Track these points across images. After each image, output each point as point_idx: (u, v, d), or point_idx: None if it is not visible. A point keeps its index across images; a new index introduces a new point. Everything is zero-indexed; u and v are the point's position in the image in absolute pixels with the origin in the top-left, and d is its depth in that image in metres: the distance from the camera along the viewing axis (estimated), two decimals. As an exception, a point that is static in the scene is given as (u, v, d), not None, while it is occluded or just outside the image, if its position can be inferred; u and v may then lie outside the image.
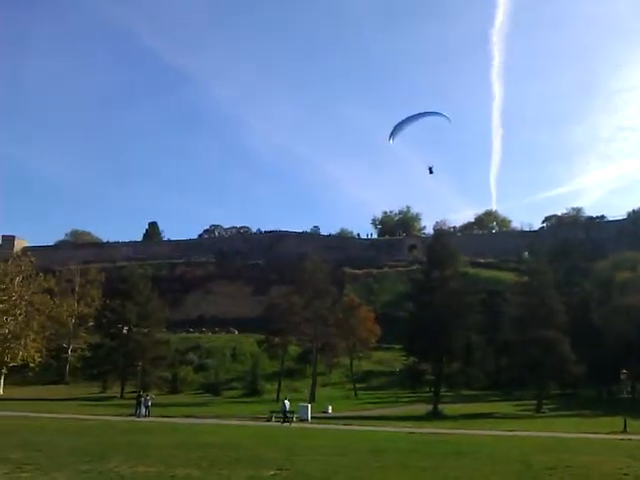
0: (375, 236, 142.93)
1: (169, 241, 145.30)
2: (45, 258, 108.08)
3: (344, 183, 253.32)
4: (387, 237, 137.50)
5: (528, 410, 55.66)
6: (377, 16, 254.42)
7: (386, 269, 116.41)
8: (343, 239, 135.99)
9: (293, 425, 42.95)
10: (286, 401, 46.62)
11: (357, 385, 75.41)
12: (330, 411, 55.12)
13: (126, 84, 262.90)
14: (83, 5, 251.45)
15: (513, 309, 64.65)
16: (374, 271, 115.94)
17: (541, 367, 56.64)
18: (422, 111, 27.04)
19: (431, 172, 28.36)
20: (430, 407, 54.37)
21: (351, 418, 48.76)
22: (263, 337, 76.71)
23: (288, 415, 45.25)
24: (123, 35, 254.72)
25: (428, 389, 67.13)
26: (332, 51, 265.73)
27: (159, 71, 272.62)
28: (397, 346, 78.58)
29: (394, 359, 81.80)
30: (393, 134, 26.80)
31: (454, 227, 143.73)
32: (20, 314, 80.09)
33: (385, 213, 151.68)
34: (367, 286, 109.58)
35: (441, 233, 74.71)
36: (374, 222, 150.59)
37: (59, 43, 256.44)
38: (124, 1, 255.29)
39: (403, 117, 27.87)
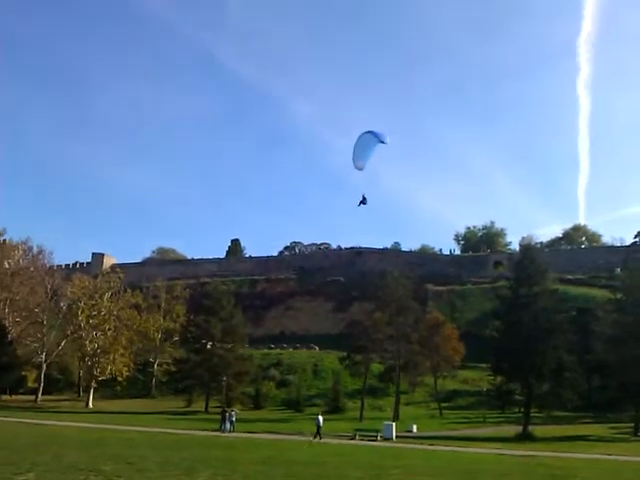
0: (458, 252, 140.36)
1: (251, 258, 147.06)
2: (133, 275, 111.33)
3: (425, 198, 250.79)
4: (471, 253, 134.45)
5: (624, 433, 52.79)
6: (462, 30, 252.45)
7: (470, 286, 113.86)
8: (425, 255, 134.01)
9: (378, 444, 42.04)
10: (320, 417, 45.45)
11: (442, 404, 73.56)
12: (415, 430, 53.95)
13: (214, 107, 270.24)
14: (174, 32, 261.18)
15: (606, 327, 61.85)
16: (457, 288, 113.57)
17: (638, 388, 53.61)
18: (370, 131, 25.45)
19: (363, 203, 26.78)
20: (519, 428, 52.40)
21: (437, 438, 47.37)
22: (344, 354, 76.08)
23: (320, 432, 43.95)
24: (210, 60, 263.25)
25: (517, 410, 64.59)
26: (411, 65, 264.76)
27: (244, 93, 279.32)
28: (483, 365, 76.34)
29: (480, 378, 79.42)
30: (357, 160, 25.48)
31: (541, 242, 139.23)
32: (109, 329, 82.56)
33: (468, 228, 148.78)
34: (450, 303, 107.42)
35: (528, 248, 71.86)
36: (457, 238, 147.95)
37: (151, 69, 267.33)
38: (211, 27, 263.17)
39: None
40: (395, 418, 61.96)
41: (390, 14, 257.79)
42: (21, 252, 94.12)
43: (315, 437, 43.14)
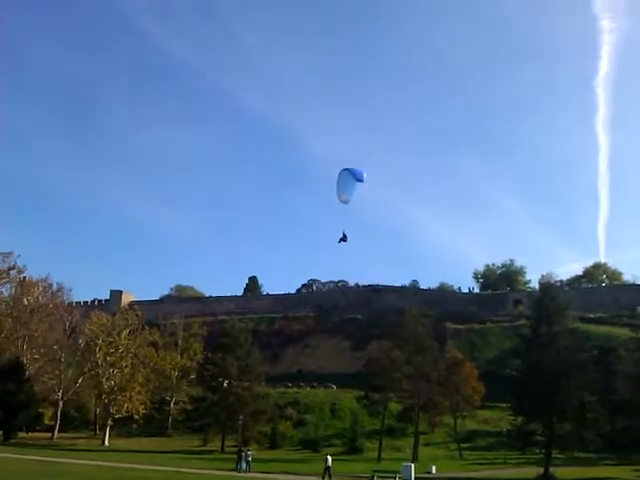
0: (477, 290, 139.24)
1: (268, 295, 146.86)
2: (150, 312, 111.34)
3: (443, 235, 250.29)
4: (490, 291, 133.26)
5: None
6: (478, 66, 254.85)
7: (489, 324, 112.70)
8: (443, 293, 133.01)
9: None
10: (328, 457, 45.33)
11: (461, 445, 72.24)
12: (434, 471, 52.98)
13: (232, 146, 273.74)
14: (197, 74, 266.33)
15: (629, 366, 60.81)
16: (476, 326, 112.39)
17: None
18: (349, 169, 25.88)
19: (343, 240, 26.90)
20: (541, 470, 51.32)
21: (457, 479, 46.45)
22: (363, 393, 75.29)
23: (330, 472, 43.55)
24: (231, 100, 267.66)
25: (538, 451, 63.27)
26: (428, 101, 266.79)
27: (262, 132, 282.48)
28: (503, 405, 75.26)
29: (500, 418, 78.08)
30: (342, 194, 25.79)
31: (561, 280, 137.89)
32: (126, 366, 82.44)
33: (487, 266, 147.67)
34: (470, 342, 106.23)
35: (549, 287, 71.22)
36: (476, 276, 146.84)
37: (174, 110, 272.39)
38: (230, 68, 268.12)
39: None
40: (414, 459, 60.97)
41: (406, 51, 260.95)
42: (41, 289, 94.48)
43: (324, 478, 42.48)
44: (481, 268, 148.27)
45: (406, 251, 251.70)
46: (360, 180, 25.07)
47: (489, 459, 65.88)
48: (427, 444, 74.40)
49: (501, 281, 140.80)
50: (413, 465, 49.24)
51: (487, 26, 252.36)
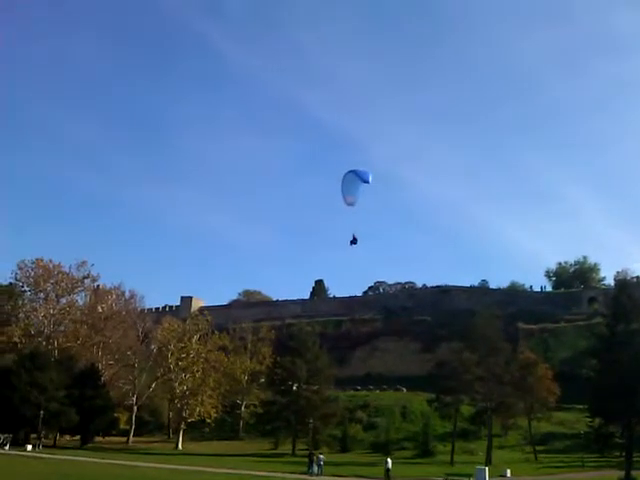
0: (549, 289, 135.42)
1: (335, 298, 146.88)
2: (219, 317, 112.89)
3: (513, 234, 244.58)
4: (563, 290, 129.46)
5: None
6: (547, 64, 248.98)
7: (563, 324, 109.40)
8: (514, 293, 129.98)
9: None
10: (389, 459, 45.47)
11: (537, 448, 70.17)
12: (509, 475, 51.55)
13: (294, 150, 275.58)
14: (260, 84, 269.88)
15: None
16: (550, 326, 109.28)
17: None
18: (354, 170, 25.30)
19: (354, 243, 26.12)
20: (622, 473, 49.04)
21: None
22: (433, 395, 74.24)
23: (390, 474, 43.06)
24: (290, 104, 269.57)
25: (618, 454, 60.94)
26: (497, 101, 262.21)
27: (323, 136, 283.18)
28: (579, 406, 73.10)
29: (577, 420, 75.72)
30: (347, 196, 25.20)
31: (637, 277, 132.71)
32: (197, 371, 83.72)
33: (559, 264, 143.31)
34: (543, 342, 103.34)
35: (625, 283, 68.75)
36: (548, 274, 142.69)
37: (234, 116, 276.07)
38: (291, 72, 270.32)
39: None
40: (488, 462, 59.56)
41: (468, 49, 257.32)
42: (114, 297, 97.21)
43: None
44: (553, 266, 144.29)
45: (474, 251, 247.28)
46: (366, 181, 24.80)
47: (566, 462, 63.63)
48: (501, 447, 72.59)
49: (574, 279, 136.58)
50: (487, 468, 48.10)
51: (550, 23, 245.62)
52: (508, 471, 52.11)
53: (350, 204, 25.31)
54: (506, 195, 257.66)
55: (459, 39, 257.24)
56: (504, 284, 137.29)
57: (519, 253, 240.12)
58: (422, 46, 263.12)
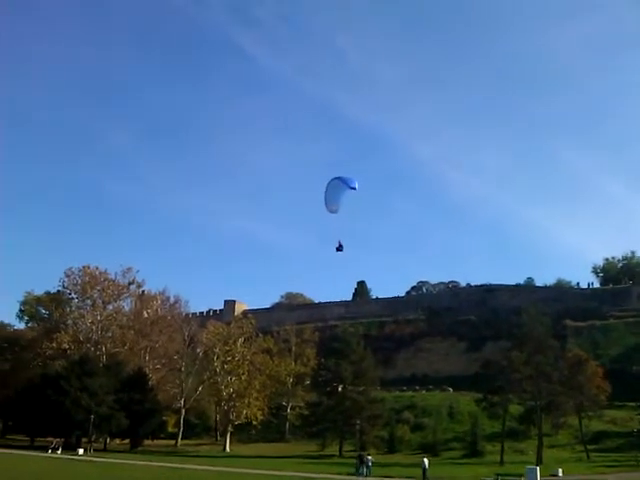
0: (597, 285, 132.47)
1: (377, 299, 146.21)
2: (263, 320, 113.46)
3: (557, 230, 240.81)
4: (611, 285, 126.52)
5: None
6: (583, 57, 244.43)
7: (612, 320, 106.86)
8: (561, 290, 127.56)
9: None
10: (425, 460, 45.46)
11: (588, 447, 68.63)
12: (560, 474, 50.50)
13: (332, 153, 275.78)
14: (295, 88, 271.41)
15: None
16: (598, 323, 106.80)
17: None
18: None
19: (339, 250, 25.69)
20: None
21: (586, 483, 44.06)
22: (480, 395, 73.30)
23: (427, 475, 42.92)
24: (327, 107, 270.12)
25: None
26: (541, 95, 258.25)
27: (361, 138, 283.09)
28: (631, 404, 71.45)
29: (630, 418, 74.10)
30: (330, 204, 24.85)
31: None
32: (243, 373, 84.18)
33: (607, 260, 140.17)
34: (592, 339, 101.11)
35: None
36: (595, 270, 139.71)
37: (270, 121, 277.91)
38: (328, 75, 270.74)
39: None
40: (538, 462, 58.52)
41: (509, 46, 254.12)
42: (159, 302, 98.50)
43: None
44: (600, 262, 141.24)
45: (519, 249, 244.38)
46: (353, 188, 24.59)
47: (619, 461, 61.96)
48: (551, 446, 71.12)
49: (622, 274, 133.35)
50: (538, 468, 47.21)
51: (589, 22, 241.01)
52: (560, 470, 51.10)
53: (333, 212, 25.24)
54: (551, 192, 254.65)
55: (494, 38, 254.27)
56: (550, 281, 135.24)
57: (565, 250, 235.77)
58: (458, 46, 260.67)
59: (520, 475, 44.65)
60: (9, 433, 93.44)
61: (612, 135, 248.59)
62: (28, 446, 78.87)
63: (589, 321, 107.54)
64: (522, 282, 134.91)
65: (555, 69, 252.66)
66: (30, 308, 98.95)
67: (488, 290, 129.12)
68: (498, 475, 45.09)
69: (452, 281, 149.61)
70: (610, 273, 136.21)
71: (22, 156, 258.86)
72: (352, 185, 24.70)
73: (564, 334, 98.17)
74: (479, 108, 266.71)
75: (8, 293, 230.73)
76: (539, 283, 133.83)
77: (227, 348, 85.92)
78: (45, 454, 64.93)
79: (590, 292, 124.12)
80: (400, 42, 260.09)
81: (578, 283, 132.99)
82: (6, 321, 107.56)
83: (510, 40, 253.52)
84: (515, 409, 73.47)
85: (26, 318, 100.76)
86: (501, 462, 61.71)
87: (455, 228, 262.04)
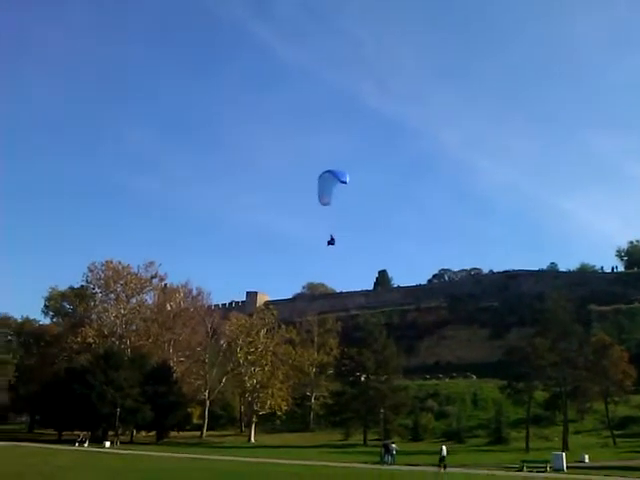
0: (621, 269, 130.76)
1: (399, 287, 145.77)
2: (285, 311, 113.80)
3: (581, 215, 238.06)
4: (636, 269, 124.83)
5: None
6: (599, 44, 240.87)
7: (637, 304, 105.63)
8: (585, 274, 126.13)
9: (549, 475, 39.42)
10: (443, 447, 44.98)
11: (615, 432, 68.01)
12: (587, 460, 50.14)
13: (355, 143, 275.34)
14: (315, 80, 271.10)
15: None
16: (623, 307, 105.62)
17: None
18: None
19: (331, 243, 25.45)
20: None
21: (612, 468, 43.64)
22: (504, 382, 72.89)
23: (445, 462, 42.65)
24: (349, 98, 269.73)
25: None
26: (564, 81, 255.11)
27: (384, 127, 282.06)
28: (657, 388, 70.48)
29: (656, 403, 73.20)
30: (323, 196, 24.66)
31: None
32: (266, 364, 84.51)
33: (631, 243, 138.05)
34: (617, 324, 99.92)
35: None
36: (619, 254, 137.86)
37: (293, 113, 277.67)
38: (348, 66, 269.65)
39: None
40: (564, 448, 58.19)
41: (536, 32, 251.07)
42: (182, 294, 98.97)
43: (439, 467, 41.98)
44: (624, 245, 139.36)
45: (541, 234, 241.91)
46: (343, 181, 24.46)
47: (647, 447, 61.52)
48: (577, 432, 70.65)
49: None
50: (564, 454, 47.01)
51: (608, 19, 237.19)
52: (586, 456, 50.79)
53: (325, 204, 25.18)
54: (573, 176, 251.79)
55: (520, 24, 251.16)
56: (574, 266, 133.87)
57: (588, 234, 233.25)
58: (482, 32, 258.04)
59: (546, 461, 44.51)
60: (37, 427, 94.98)
61: (632, 117, 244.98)
62: (56, 440, 79.93)
63: (614, 305, 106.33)
64: (545, 267, 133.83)
65: (580, 55, 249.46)
66: (55, 303, 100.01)
67: (511, 276, 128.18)
68: (524, 462, 44.91)
69: (474, 268, 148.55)
70: (635, 257, 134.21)
71: (40, 153, 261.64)
72: (343, 179, 24.61)
73: (589, 319, 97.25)
74: (504, 95, 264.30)
75: (33, 289, 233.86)
76: (562, 268, 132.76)
77: (250, 339, 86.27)
78: (72, 447, 65.79)
79: (614, 276, 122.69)
80: (422, 30, 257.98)
81: (602, 267, 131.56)
82: (32, 316, 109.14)
83: (537, 26, 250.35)
84: (540, 395, 73.01)
85: (51, 313, 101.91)
86: (526, 449, 61.45)
87: (478, 215, 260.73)
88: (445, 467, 42.03)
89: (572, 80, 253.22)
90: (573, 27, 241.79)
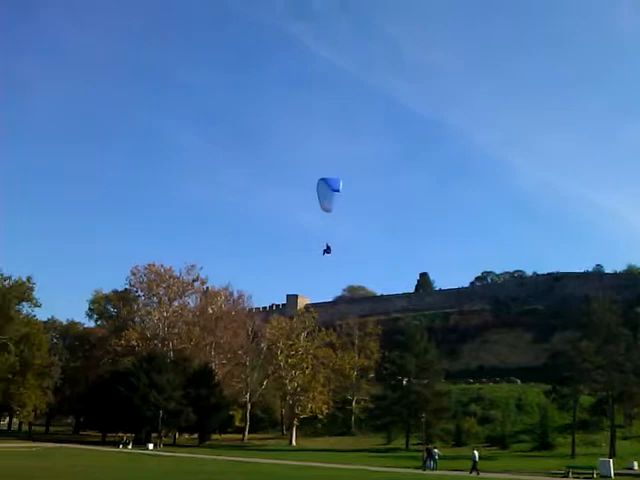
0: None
1: (440, 291, 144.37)
2: (325, 314, 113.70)
3: (627, 214, 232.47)
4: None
5: None
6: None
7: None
8: (632, 276, 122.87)
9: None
10: (475, 452, 44.88)
11: (666, 438, 66.20)
12: (636, 467, 48.96)
13: (391, 146, 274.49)
14: (352, 81, 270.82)
15: None
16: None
17: None
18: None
19: (327, 252, 24.81)
20: None
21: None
22: (549, 387, 71.58)
23: (477, 467, 42.16)
24: (389, 102, 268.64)
25: None
26: (604, 76, 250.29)
27: (420, 129, 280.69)
28: None
29: None
30: (324, 202, 24.06)
31: None
32: (307, 367, 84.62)
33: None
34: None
35: None
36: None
37: (328, 115, 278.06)
38: (386, 68, 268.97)
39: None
40: (612, 454, 56.75)
41: (567, 29, 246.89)
42: (223, 298, 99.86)
43: (472, 472, 41.29)
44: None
45: (587, 235, 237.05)
46: (336, 190, 24.06)
47: (701, 454, 59.63)
48: (625, 438, 68.84)
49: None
50: (611, 460, 45.87)
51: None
52: (635, 463, 49.64)
53: (327, 210, 24.93)
54: (619, 174, 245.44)
55: (552, 22, 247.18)
56: (620, 268, 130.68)
57: (635, 234, 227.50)
58: (514, 30, 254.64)
59: (593, 468, 43.54)
60: (82, 429, 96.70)
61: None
62: (100, 441, 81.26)
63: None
64: (591, 269, 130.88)
65: (614, 50, 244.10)
66: (99, 306, 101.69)
67: (555, 278, 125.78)
68: (570, 468, 44.05)
69: (517, 270, 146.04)
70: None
71: (83, 160, 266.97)
72: (335, 187, 24.36)
73: (636, 322, 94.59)
74: (540, 92, 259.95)
75: (78, 292, 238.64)
76: (608, 270, 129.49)
77: (290, 342, 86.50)
78: (116, 449, 66.81)
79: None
80: (457, 30, 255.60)
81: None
82: (76, 319, 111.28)
83: (569, 23, 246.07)
84: (586, 400, 71.43)
85: (95, 316, 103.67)
86: (572, 454, 60.12)
87: (521, 216, 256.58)
88: (478, 472, 41.48)
89: (611, 72, 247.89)
90: (616, 27, 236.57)
